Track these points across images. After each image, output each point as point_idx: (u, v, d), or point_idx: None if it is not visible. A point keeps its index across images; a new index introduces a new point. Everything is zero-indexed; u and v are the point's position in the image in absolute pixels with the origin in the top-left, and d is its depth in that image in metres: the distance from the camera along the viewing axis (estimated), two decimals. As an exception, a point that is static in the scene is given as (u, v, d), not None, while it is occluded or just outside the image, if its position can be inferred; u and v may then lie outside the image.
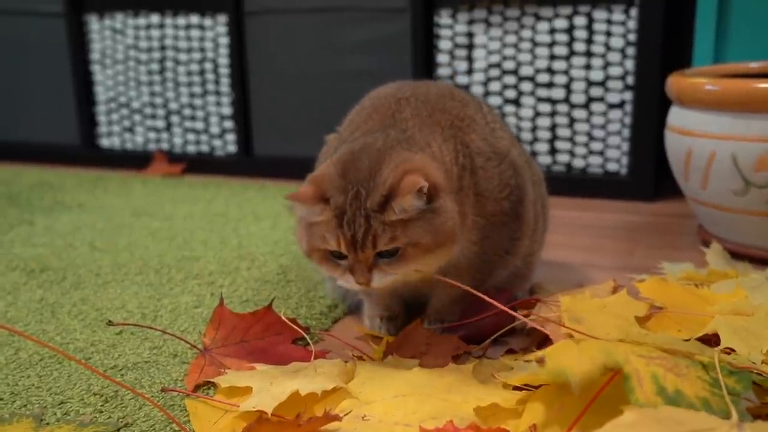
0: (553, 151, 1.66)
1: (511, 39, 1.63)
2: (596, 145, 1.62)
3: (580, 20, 1.57)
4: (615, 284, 0.96)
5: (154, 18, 1.94)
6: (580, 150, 1.63)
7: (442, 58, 1.69)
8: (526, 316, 0.83)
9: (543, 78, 1.62)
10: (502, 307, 0.74)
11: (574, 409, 0.60)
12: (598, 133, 1.61)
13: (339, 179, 0.76)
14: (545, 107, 1.64)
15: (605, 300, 0.86)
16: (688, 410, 0.52)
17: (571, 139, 1.64)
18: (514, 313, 0.76)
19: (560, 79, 1.61)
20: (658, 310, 0.88)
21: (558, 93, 1.62)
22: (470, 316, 0.87)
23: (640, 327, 0.81)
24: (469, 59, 1.67)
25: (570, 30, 1.58)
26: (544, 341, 0.83)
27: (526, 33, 1.62)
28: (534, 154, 1.66)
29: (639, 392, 0.54)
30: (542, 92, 1.63)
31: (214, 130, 1.95)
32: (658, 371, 0.56)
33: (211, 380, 0.77)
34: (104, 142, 2.09)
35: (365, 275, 0.75)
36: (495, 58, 1.65)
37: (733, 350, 0.76)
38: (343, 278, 0.78)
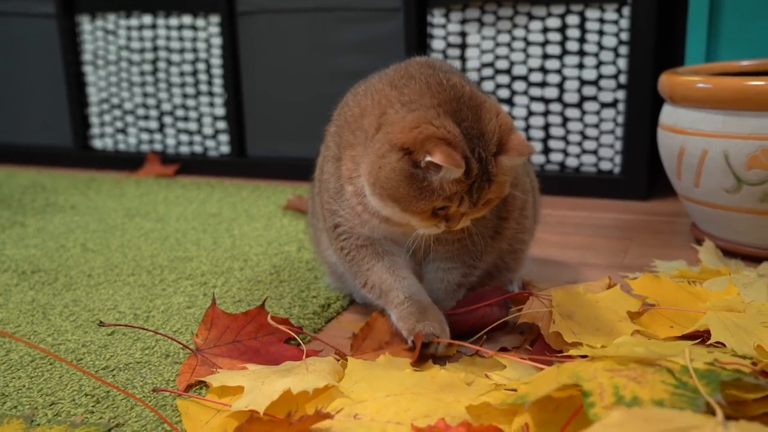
0: (546, 150, 1.66)
1: (504, 38, 1.63)
2: (589, 144, 1.62)
3: (572, 19, 1.57)
4: (610, 281, 0.96)
5: (147, 19, 1.93)
6: (574, 149, 1.64)
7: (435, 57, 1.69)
8: (518, 311, 0.84)
9: (536, 77, 1.63)
10: (502, 298, 0.74)
11: (567, 409, 0.60)
12: (591, 131, 1.61)
13: (462, 137, 0.74)
14: (538, 106, 1.64)
15: (598, 295, 0.87)
16: (675, 409, 0.52)
17: (564, 138, 1.64)
18: (512, 293, 0.76)
19: (553, 78, 1.61)
20: (650, 306, 0.88)
21: (551, 92, 1.62)
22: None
23: (632, 323, 0.82)
24: (462, 59, 1.67)
25: (563, 29, 1.59)
26: (536, 339, 0.83)
27: (519, 32, 1.62)
28: (527, 153, 1.66)
29: (598, 406, 0.55)
30: (535, 91, 1.63)
31: (207, 130, 1.95)
32: (621, 382, 0.57)
33: (203, 380, 0.76)
34: (97, 143, 2.09)
35: (461, 222, 0.78)
36: (488, 58, 1.65)
37: (723, 345, 0.76)
38: (436, 226, 0.78)
